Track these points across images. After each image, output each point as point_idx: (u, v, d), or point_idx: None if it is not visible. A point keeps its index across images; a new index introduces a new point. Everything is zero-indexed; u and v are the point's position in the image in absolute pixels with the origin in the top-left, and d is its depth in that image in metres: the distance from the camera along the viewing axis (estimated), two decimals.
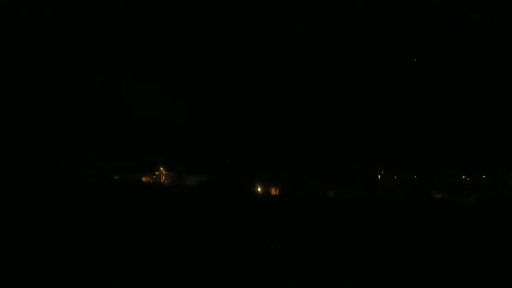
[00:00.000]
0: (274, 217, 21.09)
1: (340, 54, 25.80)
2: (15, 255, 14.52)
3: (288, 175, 26.22)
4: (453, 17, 23.16)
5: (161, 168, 28.15)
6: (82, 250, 15.20)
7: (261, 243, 17.08)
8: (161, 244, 16.48)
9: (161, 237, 17.19)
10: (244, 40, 26.65)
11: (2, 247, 15.03)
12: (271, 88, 26.83)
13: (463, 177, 25.73)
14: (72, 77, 27.33)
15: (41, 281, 12.96)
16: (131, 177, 27.37)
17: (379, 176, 26.29)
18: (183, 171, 27.58)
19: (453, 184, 25.19)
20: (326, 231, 19.02)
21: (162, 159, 27.95)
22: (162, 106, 27.02)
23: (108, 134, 27.71)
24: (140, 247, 16.02)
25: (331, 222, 20.32)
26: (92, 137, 27.50)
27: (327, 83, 26.19)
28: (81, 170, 26.23)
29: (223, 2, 26.29)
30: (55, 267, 13.69)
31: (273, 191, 25.80)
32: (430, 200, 23.82)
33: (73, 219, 18.79)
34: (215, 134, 27.38)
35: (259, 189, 25.69)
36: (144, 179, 28.05)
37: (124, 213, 20.15)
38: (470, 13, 22.82)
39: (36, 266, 13.80)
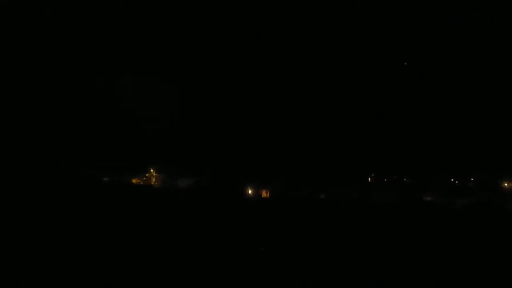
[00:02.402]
0: (265, 219, 20.53)
1: (337, 57, 25.79)
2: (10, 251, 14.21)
3: (279, 178, 25.83)
4: (453, 17, 23.06)
5: (152, 170, 27.89)
6: (73, 251, 14.75)
7: (252, 246, 16.52)
8: (152, 245, 15.99)
9: (151, 238, 16.69)
10: (232, 48, 26.81)
11: None
12: (264, 92, 26.82)
13: (452, 180, 25.83)
14: (65, 78, 27.47)
15: (34, 278, 12.54)
16: (121, 178, 27.09)
17: (369, 178, 26.21)
18: (174, 172, 27.30)
19: (443, 187, 25.12)
20: (318, 233, 18.38)
21: (153, 160, 27.73)
22: (155, 108, 26.93)
23: (100, 136, 27.70)
24: (131, 248, 15.53)
25: (322, 225, 19.69)
26: (84, 138, 27.46)
27: (320, 88, 26.15)
28: (71, 170, 25.94)
29: (223, 2, 26.47)
30: (45, 266, 13.27)
31: (264, 194, 25.38)
32: (421, 202, 23.43)
33: (62, 221, 18.32)
34: (206, 137, 27.22)
35: (249, 192, 25.30)
36: (134, 180, 27.84)
37: (115, 215, 19.70)
38: (470, 13, 22.72)
39: (28, 264, 13.41)
